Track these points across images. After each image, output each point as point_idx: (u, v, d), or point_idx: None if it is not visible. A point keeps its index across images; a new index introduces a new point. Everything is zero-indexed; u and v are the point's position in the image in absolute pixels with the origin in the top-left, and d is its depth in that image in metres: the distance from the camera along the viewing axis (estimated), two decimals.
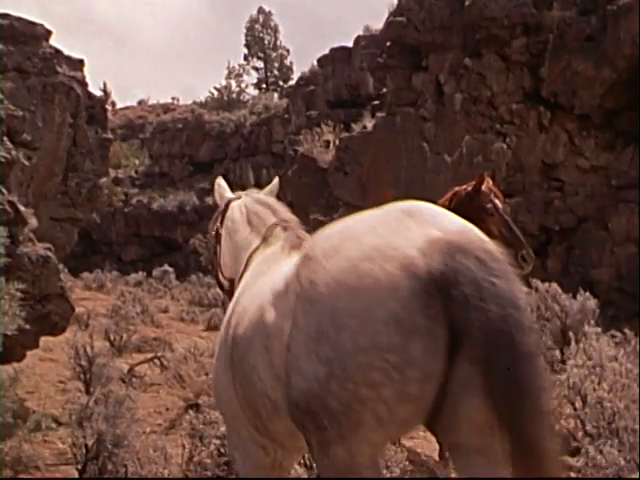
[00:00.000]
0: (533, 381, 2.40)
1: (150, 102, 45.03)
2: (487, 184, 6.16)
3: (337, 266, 2.62)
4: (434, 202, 6.48)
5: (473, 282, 2.39)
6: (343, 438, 2.65)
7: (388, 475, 5.06)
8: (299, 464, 5.24)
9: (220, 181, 4.86)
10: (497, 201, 6.07)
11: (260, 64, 45.66)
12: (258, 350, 3.12)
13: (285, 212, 4.21)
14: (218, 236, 4.49)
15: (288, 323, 2.84)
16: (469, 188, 6.18)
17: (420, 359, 2.44)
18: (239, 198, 4.52)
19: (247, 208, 4.35)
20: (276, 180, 4.82)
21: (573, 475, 4.74)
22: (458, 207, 6.18)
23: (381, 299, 2.49)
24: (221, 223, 4.49)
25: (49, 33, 15.86)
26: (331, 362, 2.58)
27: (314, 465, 5.09)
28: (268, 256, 3.91)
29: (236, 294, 3.81)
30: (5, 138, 7.97)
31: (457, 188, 6.37)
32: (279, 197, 4.58)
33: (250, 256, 4.08)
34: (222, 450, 5.73)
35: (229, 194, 4.64)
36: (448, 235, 2.51)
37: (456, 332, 2.44)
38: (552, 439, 2.46)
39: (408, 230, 2.58)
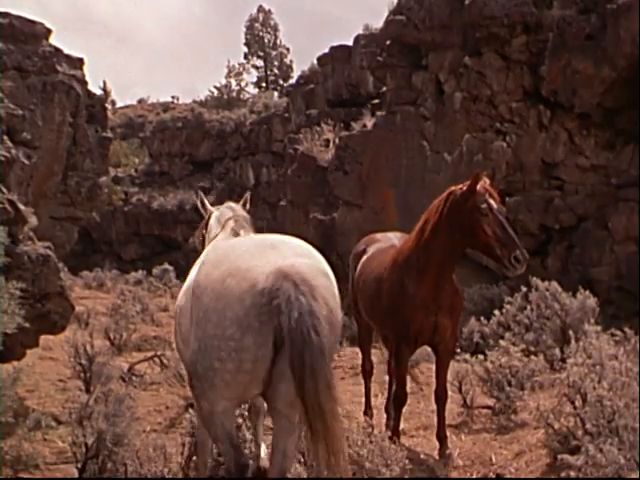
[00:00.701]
0: (319, 369, 3.76)
1: (150, 101, 45.10)
2: (483, 184, 6.12)
3: (214, 276, 4.09)
4: (432, 201, 6.51)
5: (286, 298, 3.81)
6: (205, 394, 4.19)
7: (388, 474, 5.06)
8: (299, 463, 5.24)
9: (202, 197, 6.36)
10: (492, 201, 6.02)
11: (260, 63, 45.73)
12: (177, 325, 5.03)
13: (240, 211, 5.82)
14: (203, 239, 5.94)
15: (189, 311, 4.39)
16: (465, 187, 6.14)
17: (251, 347, 3.90)
18: (218, 210, 5.99)
19: (220, 213, 5.85)
20: (247, 194, 6.33)
21: (573, 474, 4.75)
22: (453, 207, 6.15)
23: (232, 305, 3.92)
24: (205, 229, 5.97)
25: (49, 32, 15.84)
26: (200, 340, 4.08)
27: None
28: (214, 243, 5.28)
29: None
30: (5, 137, 7.97)
31: (453, 187, 6.34)
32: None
33: (209, 243, 5.49)
34: None
35: (210, 207, 6.16)
36: (284, 266, 3.96)
37: (279, 332, 3.85)
38: (335, 409, 3.81)
39: (264, 259, 4.04)
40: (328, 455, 3.80)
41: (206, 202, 6.22)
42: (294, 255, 4.19)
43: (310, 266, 4.18)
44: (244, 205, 6.11)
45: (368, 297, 7.19)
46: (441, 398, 6.66)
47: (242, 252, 4.21)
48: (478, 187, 6.05)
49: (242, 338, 3.90)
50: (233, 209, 5.81)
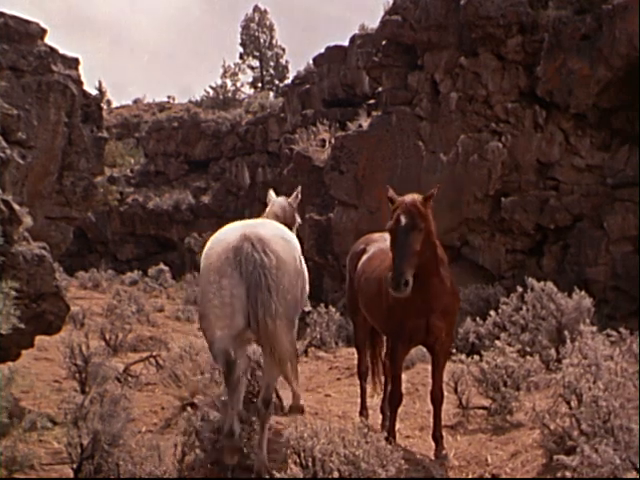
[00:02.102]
0: (267, 303, 5.52)
1: (146, 101, 44.94)
2: (403, 200, 6.11)
3: (209, 244, 6.06)
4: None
5: (246, 253, 5.63)
6: (206, 328, 5.94)
7: (384, 474, 5.06)
8: (294, 463, 5.24)
9: (270, 191, 8.73)
10: (403, 217, 5.98)
11: (256, 63, 45.65)
12: None
13: (275, 203, 8.29)
14: None
15: None
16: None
17: (227, 286, 5.62)
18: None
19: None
20: (298, 189, 8.74)
21: (568, 474, 4.75)
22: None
23: (214, 259, 5.78)
24: None
25: (44, 31, 15.78)
26: (199, 287, 6.08)
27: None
28: None
29: None
30: (0, 137, 7.94)
31: None
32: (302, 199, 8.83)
33: None
34: (216, 446, 5.74)
35: (273, 199, 8.44)
36: (248, 232, 5.80)
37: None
38: (278, 333, 5.55)
39: (239, 230, 5.89)
40: (277, 366, 5.67)
41: (272, 194, 8.59)
42: (261, 227, 6.10)
43: (270, 231, 6.04)
44: (295, 197, 8.50)
45: (370, 297, 7.18)
46: (437, 399, 6.66)
47: (229, 228, 6.18)
48: (397, 203, 6.07)
49: (220, 281, 5.68)
50: (273, 203, 8.29)
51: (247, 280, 5.53)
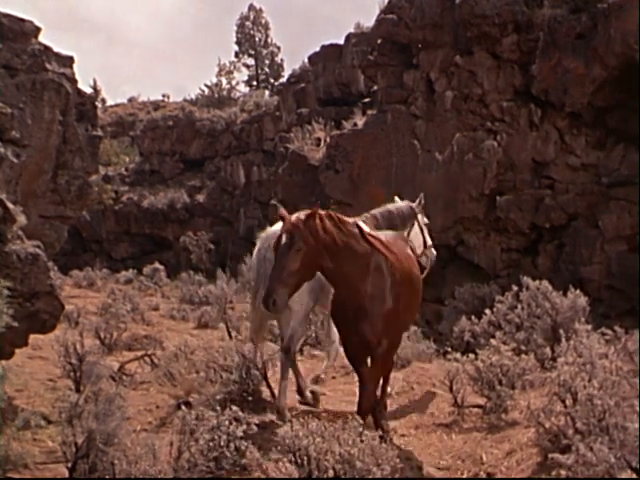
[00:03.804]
0: (263, 288, 6.57)
1: (140, 99, 44.80)
2: (291, 219, 6.04)
3: (264, 233, 7.93)
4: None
5: (264, 249, 7.52)
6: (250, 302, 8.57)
7: (379, 473, 5.05)
8: (290, 462, 5.23)
9: (396, 197, 9.07)
10: (283, 237, 5.94)
11: (251, 61, 45.58)
12: None
13: (371, 211, 8.42)
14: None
15: None
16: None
17: (256, 267, 7.85)
18: None
19: None
20: (421, 195, 8.89)
21: (563, 473, 4.75)
22: None
23: (258, 247, 7.82)
24: None
25: (38, 30, 15.71)
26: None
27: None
28: None
29: None
30: None
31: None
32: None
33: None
34: (211, 444, 5.72)
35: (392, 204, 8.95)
36: (273, 234, 6.92)
37: None
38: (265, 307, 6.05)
39: (276, 229, 6.79)
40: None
41: (395, 199, 8.98)
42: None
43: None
44: (419, 203, 8.77)
45: None
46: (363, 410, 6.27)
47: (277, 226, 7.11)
48: (285, 222, 6.03)
49: (258, 263, 7.66)
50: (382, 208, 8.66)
51: (258, 268, 7.64)
